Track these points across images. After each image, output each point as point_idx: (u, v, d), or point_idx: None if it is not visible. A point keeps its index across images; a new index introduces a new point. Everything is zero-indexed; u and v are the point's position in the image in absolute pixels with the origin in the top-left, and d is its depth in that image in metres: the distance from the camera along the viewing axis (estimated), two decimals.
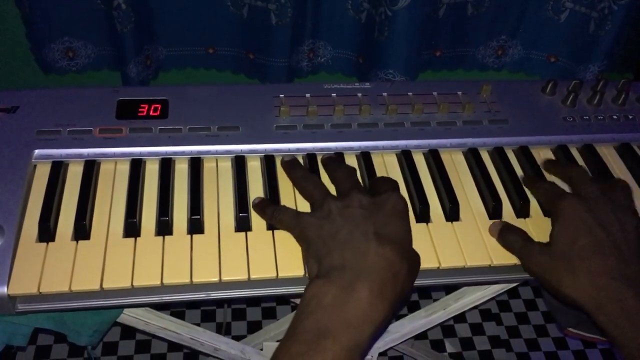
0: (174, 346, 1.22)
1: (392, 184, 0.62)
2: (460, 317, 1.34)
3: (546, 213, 0.66)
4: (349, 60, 1.03)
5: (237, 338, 1.25)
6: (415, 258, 0.56)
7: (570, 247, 0.57)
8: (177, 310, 1.29)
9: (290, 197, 0.65)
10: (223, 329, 1.27)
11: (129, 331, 1.25)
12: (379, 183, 0.63)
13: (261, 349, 0.84)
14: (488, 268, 0.62)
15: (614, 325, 0.53)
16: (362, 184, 0.63)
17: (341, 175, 0.63)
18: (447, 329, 1.35)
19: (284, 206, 0.62)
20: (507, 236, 0.62)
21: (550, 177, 0.69)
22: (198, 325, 1.27)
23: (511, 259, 0.62)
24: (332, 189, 0.63)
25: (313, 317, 0.49)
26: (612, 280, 0.54)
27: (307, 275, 0.58)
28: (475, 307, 0.77)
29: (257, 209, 0.62)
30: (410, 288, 0.54)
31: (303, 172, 0.65)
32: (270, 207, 0.61)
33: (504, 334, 1.36)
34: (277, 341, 0.92)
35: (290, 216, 0.59)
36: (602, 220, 0.57)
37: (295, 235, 0.59)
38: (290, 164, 0.66)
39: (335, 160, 0.67)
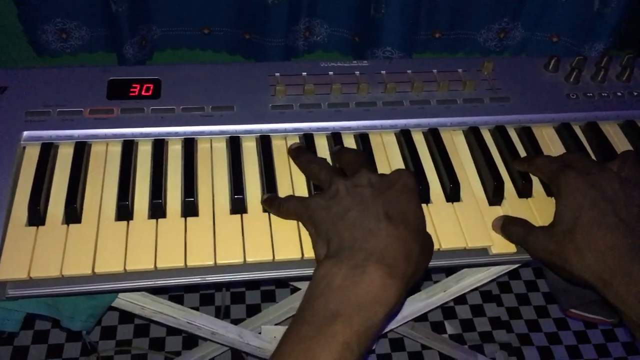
0: (172, 330, 1.21)
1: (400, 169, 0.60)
2: (460, 299, 1.33)
3: (549, 193, 0.64)
4: (345, 39, 1.01)
5: (236, 321, 1.24)
6: (427, 238, 0.55)
7: (574, 224, 0.55)
8: (175, 294, 1.28)
9: (287, 177, 0.64)
10: (222, 313, 1.26)
11: (127, 315, 1.23)
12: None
13: (259, 333, 0.83)
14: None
15: (622, 302, 0.51)
16: (369, 165, 0.61)
17: (349, 157, 0.61)
18: (447, 310, 1.34)
19: (291, 195, 0.60)
20: (509, 229, 0.60)
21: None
22: (197, 309, 1.27)
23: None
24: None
25: (322, 298, 0.47)
26: (619, 255, 0.52)
27: (304, 257, 0.57)
28: (475, 289, 0.76)
29: (265, 204, 0.61)
30: (423, 269, 0.53)
31: (309, 155, 0.63)
32: (277, 200, 0.60)
33: (505, 315, 1.35)
34: (276, 324, 0.91)
35: (296, 202, 0.58)
36: (606, 193, 0.55)
37: (304, 221, 0.57)
38: (297, 151, 0.65)
39: (342, 147, 0.65)
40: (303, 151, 0.64)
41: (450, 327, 1.31)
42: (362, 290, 0.47)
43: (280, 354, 0.46)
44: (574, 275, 0.54)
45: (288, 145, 0.66)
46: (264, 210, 0.61)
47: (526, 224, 0.60)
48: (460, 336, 1.30)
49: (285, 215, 0.59)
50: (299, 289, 0.98)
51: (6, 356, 1.19)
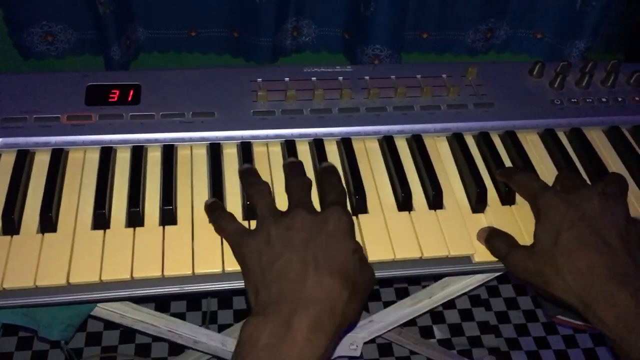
0: (158, 336, 1.20)
1: (339, 193, 0.58)
2: (449, 304, 1.32)
3: None
4: (334, 37, 1.01)
5: (223, 327, 1.24)
6: (359, 282, 0.51)
7: (553, 245, 0.54)
8: (161, 300, 1.27)
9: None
10: (207, 319, 1.25)
11: (112, 321, 1.23)
12: (327, 187, 0.59)
13: None
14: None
15: (603, 324, 0.50)
16: (308, 199, 0.58)
17: (292, 188, 0.59)
18: (436, 315, 1.33)
19: (231, 215, 0.58)
20: (492, 242, 0.59)
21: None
22: (183, 314, 1.27)
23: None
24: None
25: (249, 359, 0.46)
26: (599, 277, 0.51)
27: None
28: (463, 294, 0.76)
29: (207, 209, 0.59)
30: (354, 315, 0.51)
31: (254, 178, 0.61)
32: (218, 210, 0.58)
33: (494, 320, 1.34)
34: None
35: (232, 230, 0.56)
36: (586, 213, 0.54)
37: (234, 254, 0.55)
38: (243, 172, 0.63)
39: (293, 168, 0.62)
40: (250, 173, 0.62)
41: (439, 332, 1.31)
42: (287, 348, 0.46)
43: None
44: (554, 296, 0.54)
45: (269, 152, 0.66)
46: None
47: (509, 240, 0.59)
48: (449, 341, 1.29)
49: (217, 231, 0.58)
50: None
51: None
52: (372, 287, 0.53)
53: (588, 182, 0.62)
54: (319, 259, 0.50)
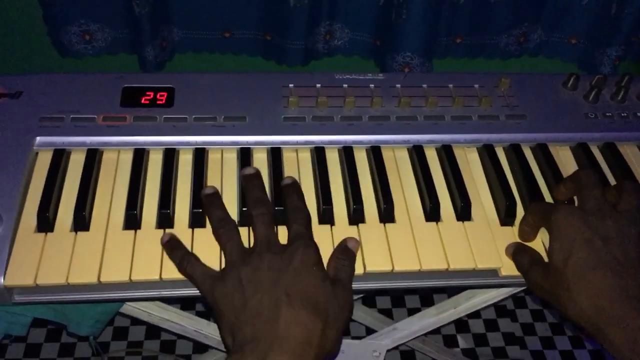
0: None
1: (302, 219, 0.57)
2: (474, 313, 1.32)
3: None
4: (365, 43, 1.01)
5: None
6: (333, 309, 0.51)
7: (565, 265, 0.52)
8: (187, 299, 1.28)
9: None
10: None
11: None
12: (290, 211, 0.58)
13: None
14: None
15: (616, 350, 0.48)
16: (272, 231, 0.57)
17: (256, 225, 0.57)
18: (460, 324, 1.32)
19: (195, 257, 0.56)
20: (517, 258, 0.59)
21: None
22: (209, 314, 1.28)
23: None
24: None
25: None
26: (611, 300, 0.49)
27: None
28: (488, 306, 0.75)
29: (165, 247, 0.57)
30: (332, 344, 0.51)
31: (221, 214, 0.59)
32: (180, 252, 0.57)
33: (519, 331, 1.33)
34: None
35: (200, 275, 0.55)
36: (600, 232, 0.53)
37: (206, 297, 0.55)
38: (210, 200, 0.60)
39: (254, 193, 0.60)
40: (217, 205, 0.60)
41: (463, 341, 1.30)
42: None
43: None
44: (568, 317, 0.53)
45: (298, 158, 0.66)
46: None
47: (534, 256, 0.58)
48: (473, 351, 1.28)
49: (185, 276, 0.56)
50: None
51: (19, 353, 1.20)
52: (350, 311, 0.54)
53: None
54: (289, 294, 0.50)
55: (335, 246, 0.58)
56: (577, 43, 0.99)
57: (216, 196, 0.61)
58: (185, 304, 1.29)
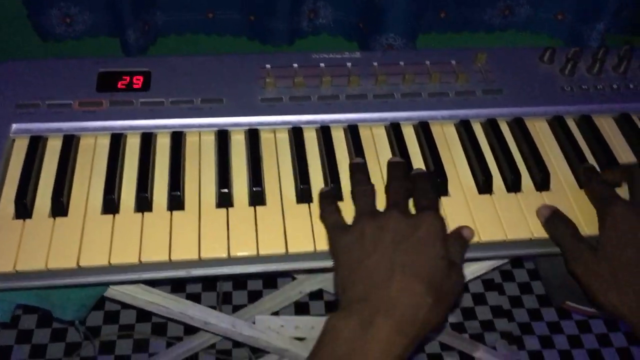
0: None
1: (431, 199, 0.58)
2: None
3: (537, 188, 0.64)
4: (349, 24, 1.00)
5: (238, 307, 1.26)
6: (445, 289, 0.51)
7: (618, 257, 0.54)
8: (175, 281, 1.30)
9: (274, 171, 0.64)
10: (220, 300, 1.27)
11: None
12: (419, 192, 0.59)
13: (253, 322, 0.84)
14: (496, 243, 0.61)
15: None
16: (405, 202, 0.58)
17: (391, 189, 0.59)
18: None
19: (336, 207, 0.59)
20: (556, 226, 0.60)
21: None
22: (199, 295, 1.29)
23: (500, 234, 0.60)
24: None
25: (329, 348, 0.48)
26: None
27: (288, 252, 0.57)
28: (477, 277, 0.76)
29: (319, 196, 0.61)
30: (437, 321, 0.51)
31: (361, 177, 0.61)
32: (327, 200, 0.60)
33: (507, 304, 1.35)
34: (272, 314, 0.92)
35: (331, 222, 0.58)
36: None
37: (329, 245, 0.57)
38: (354, 167, 0.63)
39: (396, 168, 0.62)
40: (359, 170, 0.62)
41: (451, 316, 1.31)
42: (368, 344, 0.47)
43: None
44: (607, 304, 0.54)
45: (276, 138, 0.66)
46: (250, 204, 0.61)
47: (575, 229, 0.59)
48: (461, 325, 1.30)
49: (321, 221, 0.59)
50: (297, 278, 0.99)
51: (11, 339, 1.21)
52: (459, 293, 0.53)
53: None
54: (406, 263, 0.51)
55: (312, 224, 0.59)
56: (563, 19, 0.98)
57: (361, 165, 0.63)
58: (176, 286, 1.30)
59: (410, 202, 0.59)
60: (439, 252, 0.52)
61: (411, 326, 0.48)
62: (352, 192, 0.60)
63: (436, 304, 0.50)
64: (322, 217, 0.59)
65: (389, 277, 0.50)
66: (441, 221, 0.54)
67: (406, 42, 0.93)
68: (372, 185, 0.60)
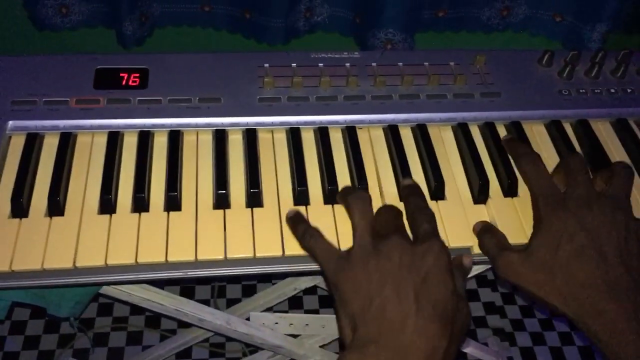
0: None
1: (429, 220, 0.56)
2: None
3: None
4: (346, 20, 1.00)
5: (232, 301, 1.26)
6: (457, 325, 0.49)
7: (553, 257, 0.54)
8: None
9: (272, 172, 0.64)
10: (215, 293, 1.27)
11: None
12: (416, 212, 0.57)
13: (248, 319, 0.84)
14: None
15: (597, 339, 0.51)
16: (402, 223, 0.57)
17: (384, 218, 0.57)
18: None
19: (317, 232, 0.56)
20: (483, 239, 0.59)
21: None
22: (193, 289, 1.29)
23: None
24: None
25: None
26: (595, 292, 0.51)
27: (285, 255, 0.57)
28: (471, 277, 0.76)
29: (289, 221, 0.59)
30: (452, 358, 0.49)
31: (359, 194, 0.59)
32: (303, 225, 0.57)
33: (499, 301, 1.35)
34: (265, 310, 0.92)
35: (323, 249, 0.55)
36: (586, 224, 0.54)
37: (327, 275, 0.54)
38: (345, 190, 0.61)
39: (382, 207, 0.59)
40: (349, 189, 0.61)
41: None
42: None
43: None
44: (546, 303, 0.54)
45: (274, 139, 0.66)
46: (247, 206, 0.61)
47: (501, 241, 0.58)
48: None
49: (305, 249, 0.57)
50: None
51: (4, 330, 1.21)
52: (469, 326, 0.52)
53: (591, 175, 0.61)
54: (419, 301, 0.48)
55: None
56: (561, 21, 0.98)
57: (350, 189, 0.61)
58: (170, 280, 1.30)
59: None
60: (449, 286, 0.50)
61: None
62: (348, 209, 0.58)
63: (450, 345, 0.48)
64: (308, 247, 0.56)
65: (403, 319, 0.48)
66: (446, 252, 0.52)
67: (405, 37, 0.93)
68: (371, 209, 0.57)
